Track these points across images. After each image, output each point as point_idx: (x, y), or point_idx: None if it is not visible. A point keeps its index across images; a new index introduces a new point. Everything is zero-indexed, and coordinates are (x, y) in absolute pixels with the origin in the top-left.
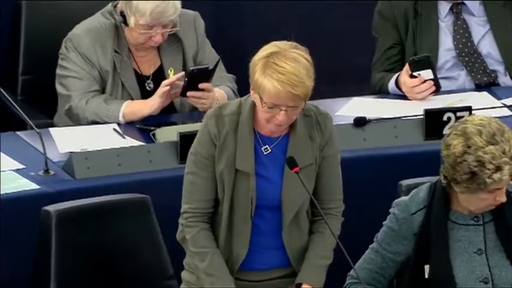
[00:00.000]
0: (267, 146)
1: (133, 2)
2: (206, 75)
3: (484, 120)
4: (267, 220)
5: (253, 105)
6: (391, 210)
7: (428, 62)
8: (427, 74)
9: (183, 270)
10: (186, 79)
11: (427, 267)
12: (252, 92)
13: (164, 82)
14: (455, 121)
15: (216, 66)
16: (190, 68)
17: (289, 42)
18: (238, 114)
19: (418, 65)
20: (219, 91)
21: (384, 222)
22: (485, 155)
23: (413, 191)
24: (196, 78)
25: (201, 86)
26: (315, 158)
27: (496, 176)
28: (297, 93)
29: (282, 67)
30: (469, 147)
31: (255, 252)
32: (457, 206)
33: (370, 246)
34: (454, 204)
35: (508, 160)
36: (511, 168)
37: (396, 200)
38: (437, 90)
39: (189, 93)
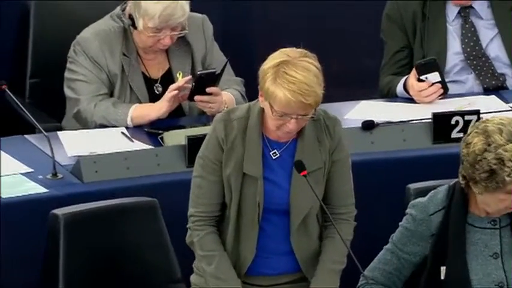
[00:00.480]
0: (275, 150)
1: (142, 4)
2: (213, 79)
3: (505, 119)
4: (274, 225)
5: (262, 109)
6: (407, 211)
7: (435, 65)
8: (434, 77)
9: (192, 274)
10: (194, 83)
11: (443, 269)
12: (261, 98)
13: (172, 86)
14: (463, 125)
15: (223, 70)
16: (198, 73)
17: (299, 50)
18: (246, 119)
19: (424, 68)
20: (227, 95)
21: (400, 223)
22: (506, 153)
23: (431, 192)
24: (204, 82)
25: (208, 90)
26: (324, 162)
27: None
28: (308, 103)
29: (293, 76)
30: (489, 145)
31: (263, 258)
32: (474, 208)
33: (385, 247)
34: (472, 207)
35: None
36: None
37: (413, 201)
38: (445, 93)
39: (196, 98)
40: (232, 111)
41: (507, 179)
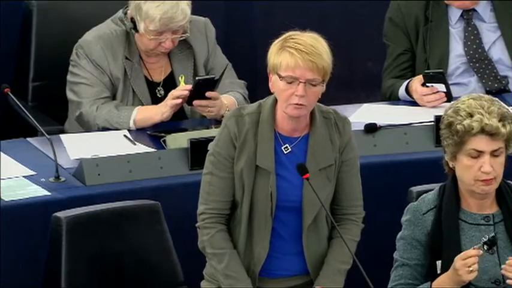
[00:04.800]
0: (287, 145)
1: (143, 8)
2: (212, 84)
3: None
4: (286, 224)
5: (274, 104)
6: (402, 220)
7: (442, 78)
8: (439, 87)
9: (203, 280)
10: (192, 89)
11: (438, 263)
12: (270, 77)
13: (175, 94)
14: None
15: (222, 75)
16: (197, 78)
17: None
18: (258, 114)
19: (431, 79)
20: (228, 98)
21: (397, 238)
22: (462, 105)
23: (420, 196)
24: (202, 87)
25: (207, 95)
26: (335, 159)
27: (466, 122)
28: (314, 61)
29: (299, 39)
30: (453, 104)
31: (275, 258)
32: (466, 204)
33: (393, 267)
34: (464, 203)
35: (483, 112)
36: (485, 120)
37: (405, 209)
38: (449, 101)
39: (195, 102)
40: (242, 108)
41: (459, 127)
